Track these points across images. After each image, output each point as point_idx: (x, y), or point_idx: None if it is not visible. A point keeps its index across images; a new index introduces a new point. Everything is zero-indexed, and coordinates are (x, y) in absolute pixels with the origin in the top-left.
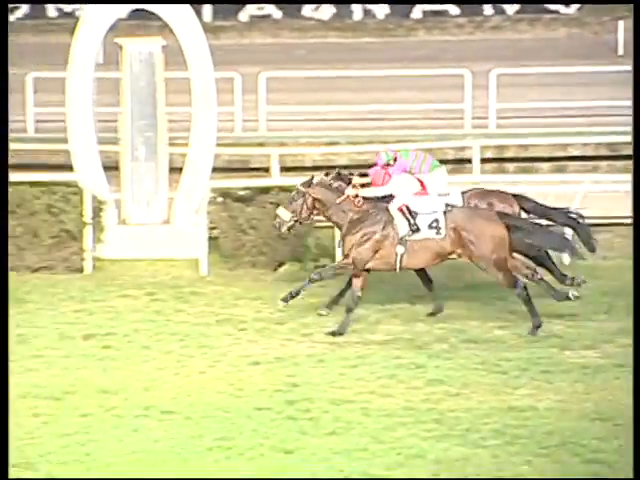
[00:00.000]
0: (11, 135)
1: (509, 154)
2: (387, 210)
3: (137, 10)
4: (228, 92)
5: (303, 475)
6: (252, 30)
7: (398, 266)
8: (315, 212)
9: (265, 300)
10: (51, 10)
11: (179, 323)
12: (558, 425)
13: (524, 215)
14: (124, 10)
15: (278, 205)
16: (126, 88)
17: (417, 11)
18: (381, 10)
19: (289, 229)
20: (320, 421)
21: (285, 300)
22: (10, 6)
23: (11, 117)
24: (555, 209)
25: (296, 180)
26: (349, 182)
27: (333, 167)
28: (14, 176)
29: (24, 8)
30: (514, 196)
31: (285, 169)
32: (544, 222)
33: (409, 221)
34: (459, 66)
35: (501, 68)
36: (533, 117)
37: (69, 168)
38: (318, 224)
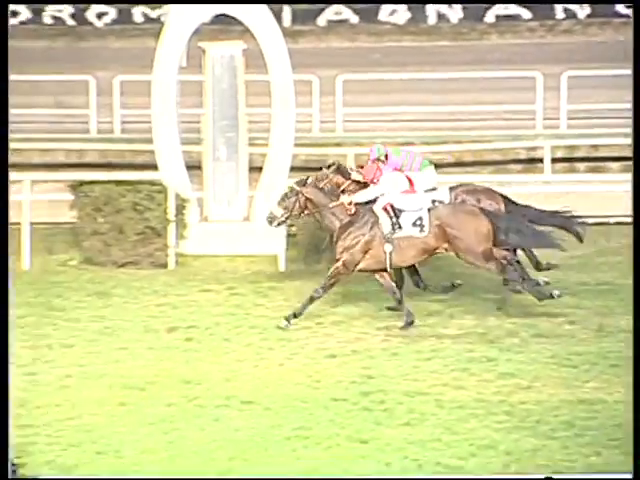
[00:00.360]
0: (98, 136)
1: (580, 154)
2: (372, 210)
3: (219, 15)
4: (306, 94)
5: (378, 464)
6: (330, 34)
7: (388, 264)
8: (306, 211)
9: (341, 295)
10: (137, 16)
11: (258, 317)
12: (627, 417)
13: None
14: (207, 15)
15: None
16: (208, 90)
17: (490, 15)
18: (455, 14)
19: (279, 224)
20: (394, 412)
21: (287, 320)
22: (97, 12)
23: (98, 118)
24: (541, 212)
25: None
26: (348, 176)
27: None
28: (101, 175)
29: (112, 14)
30: (501, 196)
31: (361, 167)
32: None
33: (391, 219)
34: (531, 68)
35: (572, 70)
36: (603, 118)
37: (153, 167)
38: None
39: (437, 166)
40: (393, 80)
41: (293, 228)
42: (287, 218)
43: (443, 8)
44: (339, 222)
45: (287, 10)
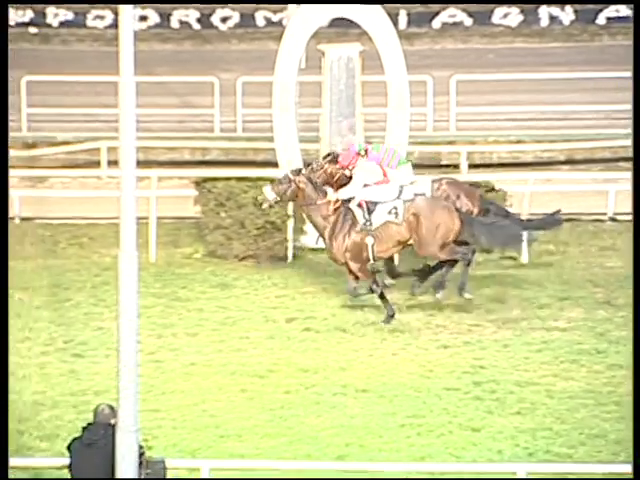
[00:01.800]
0: (221, 134)
1: None
2: (349, 207)
3: (337, 19)
4: (421, 94)
5: (490, 452)
6: (444, 36)
7: (371, 256)
8: (295, 200)
9: (454, 289)
10: (259, 19)
11: (373, 308)
12: None
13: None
14: (326, 19)
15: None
16: (326, 90)
17: (602, 17)
18: (567, 17)
19: (269, 207)
20: (506, 401)
21: (385, 322)
22: (221, 16)
23: (222, 118)
24: (513, 215)
25: (484, 177)
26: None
27: (519, 165)
28: (224, 172)
29: (235, 18)
30: (480, 196)
31: (474, 166)
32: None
33: (364, 215)
34: None
35: None
36: None
37: (274, 165)
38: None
39: (548, 164)
40: (505, 80)
41: None
42: (277, 203)
43: (555, 10)
44: (325, 222)
45: (403, 13)
